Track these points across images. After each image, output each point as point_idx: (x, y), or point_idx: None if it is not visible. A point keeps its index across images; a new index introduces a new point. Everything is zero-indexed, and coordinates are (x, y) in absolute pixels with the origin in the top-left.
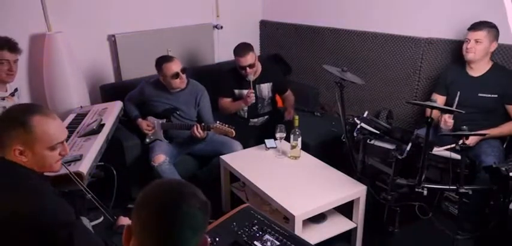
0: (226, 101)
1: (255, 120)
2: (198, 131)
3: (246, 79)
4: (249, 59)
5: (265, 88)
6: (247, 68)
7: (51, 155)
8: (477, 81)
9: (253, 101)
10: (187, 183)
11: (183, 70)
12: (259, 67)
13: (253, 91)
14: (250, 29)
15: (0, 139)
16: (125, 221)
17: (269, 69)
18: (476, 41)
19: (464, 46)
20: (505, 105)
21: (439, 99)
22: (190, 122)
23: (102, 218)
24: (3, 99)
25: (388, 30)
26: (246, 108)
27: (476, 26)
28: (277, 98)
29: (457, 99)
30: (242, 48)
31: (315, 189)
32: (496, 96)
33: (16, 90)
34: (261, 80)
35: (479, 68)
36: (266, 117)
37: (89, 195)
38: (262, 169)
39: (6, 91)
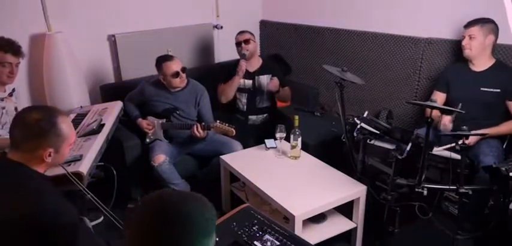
0: (223, 85)
1: (254, 117)
2: (198, 131)
3: (242, 53)
4: (246, 36)
5: (265, 79)
6: (243, 44)
7: (68, 150)
8: (479, 76)
9: (245, 69)
10: (183, 201)
11: (183, 69)
12: (259, 60)
13: (245, 61)
14: (250, 29)
15: (26, 146)
16: None
17: (269, 63)
18: (470, 37)
19: (461, 44)
20: (506, 102)
21: (439, 97)
22: (190, 121)
23: (102, 218)
24: (2, 99)
25: (388, 30)
26: (245, 100)
27: (469, 23)
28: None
29: (459, 107)
30: (242, 30)
31: (315, 189)
32: (498, 91)
33: (14, 90)
34: (260, 72)
35: (480, 63)
36: (265, 115)
37: (89, 196)
38: (262, 169)
39: (5, 91)
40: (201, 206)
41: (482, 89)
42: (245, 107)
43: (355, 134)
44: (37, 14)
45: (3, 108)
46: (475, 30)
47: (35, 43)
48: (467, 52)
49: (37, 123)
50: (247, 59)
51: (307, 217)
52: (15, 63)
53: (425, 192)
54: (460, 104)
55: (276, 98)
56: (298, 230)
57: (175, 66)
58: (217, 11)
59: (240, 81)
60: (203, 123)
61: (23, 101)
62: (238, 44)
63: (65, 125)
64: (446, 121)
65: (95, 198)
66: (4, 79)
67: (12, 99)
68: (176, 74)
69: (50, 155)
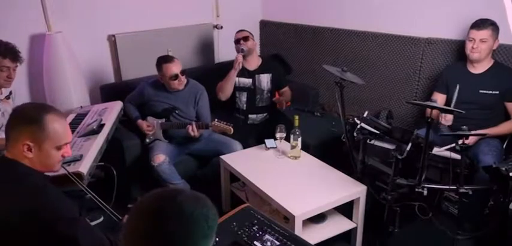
0: (220, 82)
1: (254, 116)
2: (192, 130)
3: (241, 48)
4: (245, 33)
5: (265, 78)
6: (242, 40)
7: (56, 155)
8: (478, 78)
9: (241, 62)
10: (175, 197)
11: (183, 72)
12: (259, 59)
13: (241, 54)
14: (250, 29)
15: (9, 134)
16: None
17: (269, 62)
18: (481, 41)
19: (468, 45)
20: (505, 103)
21: (440, 98)
22: (189, 121)
23: (102, 218)
24: None
25: (388, 30)
26: (244, 99)
27: (481, 25)
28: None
29: (456, 93)
30: (241, 29)
31: (315, 189)
32: (496, 92)
33: (11, 93)
34: (260, 70)
35: (481, 65)
36: (265, 114)
37: (89, 195)
38: (262, 169)
39: (1, 94)
40: (204, 208)
41: (481, 91)
42: (245, 106)
43: (355, 134)
44: (37, 14)
45: (0, 110)
46: (487, 33)
47: (35, 43)
48: (476, 56)
49: (23, 112)
50: (244, 56)
51: (307, 217)
52: (13, 68)
53: (425, 192)
54: (456, 93)
55: (276, 104)
56: (298, 230)
57: (175, 68)
58: (217, 11)
59: (239, 79)
60: (200, 122)
61: (22, 102)
62: (236, 42)
63: (57, 125)
64: (448, 116)
65: (97, 197)
66: (1, 83)
67: (10, 102)
68: (175, 77)
69: (29, 149)
